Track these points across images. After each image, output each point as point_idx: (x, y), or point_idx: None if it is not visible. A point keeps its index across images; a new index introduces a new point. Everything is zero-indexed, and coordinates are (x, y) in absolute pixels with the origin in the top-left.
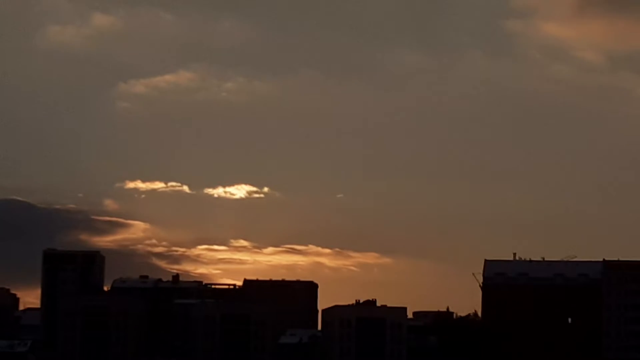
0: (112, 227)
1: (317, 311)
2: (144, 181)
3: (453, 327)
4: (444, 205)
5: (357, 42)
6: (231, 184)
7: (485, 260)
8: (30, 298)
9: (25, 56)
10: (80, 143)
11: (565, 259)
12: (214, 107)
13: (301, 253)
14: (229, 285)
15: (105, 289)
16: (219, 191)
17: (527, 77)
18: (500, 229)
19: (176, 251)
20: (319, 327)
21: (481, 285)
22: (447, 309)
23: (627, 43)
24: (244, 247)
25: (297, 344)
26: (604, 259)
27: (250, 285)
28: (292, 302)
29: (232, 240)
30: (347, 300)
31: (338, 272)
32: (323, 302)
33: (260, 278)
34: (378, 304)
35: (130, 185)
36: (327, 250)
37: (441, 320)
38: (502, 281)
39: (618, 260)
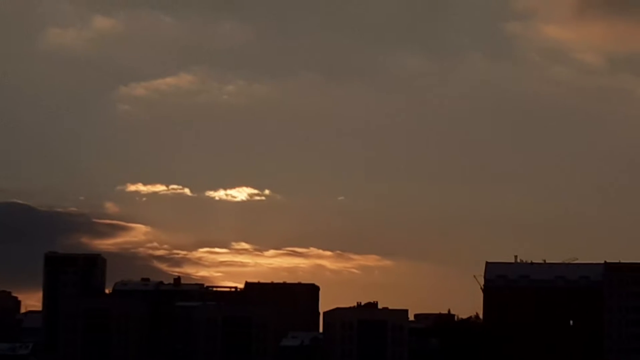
0: (114, 230)
1: (319, 314)
2: (145, 184)
3: (454, 329)
4: (445, 207)
5: (358, 45)
6: (232, 186)
7: (487, 263)
8: (31, 301)
9: (26, 59)
10: (81, 146)
11: (566, 262)
12: (214, 110)
13: (302, 255)
14: (230, 288)
15: (107, 291)
16: (220, 194)
17: (527, 79)
18: (501, 231)
19: (177, 254)
20: (321, 330)
21: (482, 287)
22: (449, 311)
23: (627, 45)
24: (246, 249)
25: (298, 347)
26: (605, 261)
27: (251, 287)
28: (294, 304)
29: (233, 243)
30: (349, 302)
31: (339, 275)
32: (324, 305)
33: (262, 281)
34: (379, 307)
35: (132, 188)
36: (328, 253)
37: (442, 323)
38: (504, 283)
39: (619, 263)
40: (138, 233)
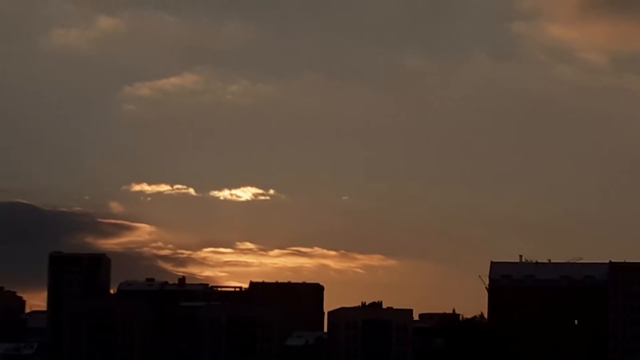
0: (118, 229)
1: (323, 313)
2: (149, 184)
3: (459, 329)
4: (449, 207)
5: (361, 45)
6: (237, 186)
7: (491, 262)
8: (36, 301)
9: (30, 59)
10: (85, 146)
11: (571, 261)
12: (219, 110)
13: (307, 255)
14: (235, 287)
15: (112, 291)
16: (224, 194)
17: (531, 79)
18: (506, 230)
19: (182, 254)
20: (325, 330)
21: (487, 287)
22: (453, 311)
23: (631, 44)
24: (250, 249)
25: (303, 346)
26: (610, 261)
27: (256, 287)
28: (298, 304)
29: (238, 243)
30: (353, 302)
31: (343, 274)
32: (329, 304)
33: (266, 280)
34: (384, 306)
35: (136, 188)
36: (333, 253)
37: (447, 323)
38: (508, 283)
39: (624, 262)
40: (143, 233)
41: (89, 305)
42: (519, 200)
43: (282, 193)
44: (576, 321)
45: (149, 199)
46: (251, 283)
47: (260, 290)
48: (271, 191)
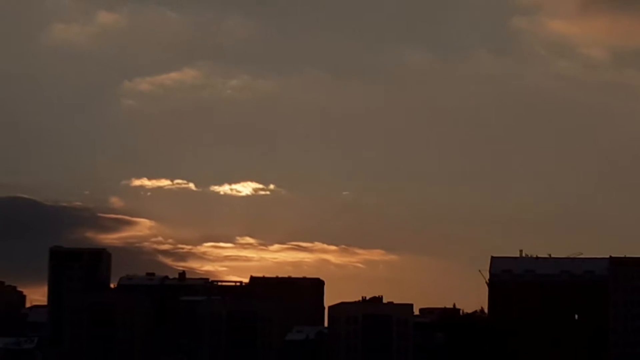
0: (118, 224)
1: (324, 308)
2: (149, 179)
3: (459, 323)
4: (450, 201)
5: (362, 41)
6: (237, 181)
7: (492, 257)
8: (36, 295)
9: (31, 54)
10: (85, 141)
11: (571, 256)
12: (219, 105)
13: (307, 250)
14: (235, 282)
15: (112, 286)
16: (224, 188)
17: (532, 74)
18: (506, 225)
19: (182, 248)
20: (326, 324)
21: (487, 282)
22: (454, 305)
23: (632, 40)
24: (250, 244)
25: (303, 341)
26: (610, 256)
27: (256, 282)
28: (299, 299)
29: (238, 238)
30: (353, 297)
31: (344, 269)
32: (329, 299)
33: (267, 275)
34: (384, 301)
35: (136, 182)
36: (333, 247)
37: (447, 317)
38: (509, 278)
39: (624, 257)
40: (143, 228)
41: (90, 300)
42: (520, 195)
43: (282, 188)
44: (576, 316)
45: (149, 193)
46: (251, 278)
47: (260, 285)
48: (271, 186)
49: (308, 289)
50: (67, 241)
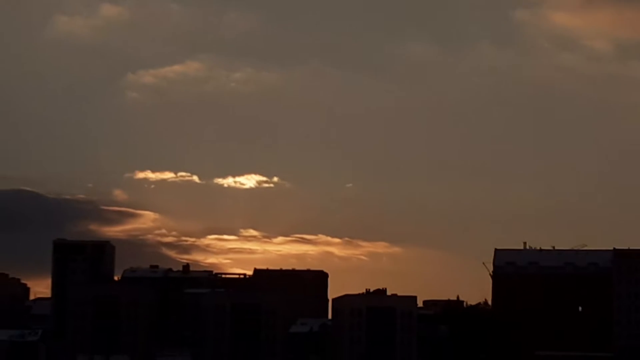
0: (122, 217)
1: (328, 300)
2: (153, 171)
3: (463, 316)
4: (453, 194)
5: (365, 33)
6: (241, 173)
7: (496, 249)
8: (40, 288)
9: (34, 47)
10: (89, 133)
11: (575, 248)
12: (222, 98)
13: (311, 242)
14: (239, 274)
15: (116, 278)
16: (228, 181)
17: (535, 67)
18: (510, 218)
19: (186, 241)
20: (330, 316)
21: (491, 274)
22: (457, 297)
23: (635, 32)
24: (254, 236)
25: (307, 333)
26: (614, 248)
27: (260, 274)
28: (303, 291)
29: (241, 230)
30: (357, 289)
31: (348, 262)
32: (333, 292)
33: (270, 267)
34: (388, 293)
35: (140, 175)
36: (337, 240)
37: (451, 309)
38: (513, 270)
39: (628, 249)
40: (146, 220)
41: (93, 293)
42: (523, 187)
43: (286, 181)
44: (580, 308)
45: (152, 186)
46: (255, 270)
47: (264, 277)
48: (275, 179)
49: (312, 281)
50: (71, 234)
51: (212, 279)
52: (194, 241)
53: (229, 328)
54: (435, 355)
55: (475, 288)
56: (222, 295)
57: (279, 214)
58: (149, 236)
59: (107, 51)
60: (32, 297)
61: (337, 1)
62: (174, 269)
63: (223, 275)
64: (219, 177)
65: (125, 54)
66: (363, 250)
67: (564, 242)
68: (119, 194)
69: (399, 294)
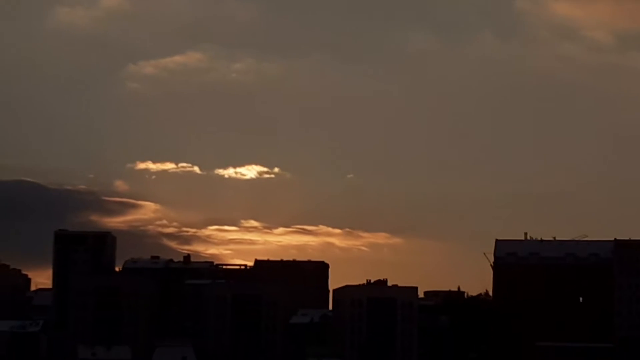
0: (123, 207)
1: (328, 291)
2: (154, 162)
3: (464, 306)
4: (454, 184)
5: (367, 23)
6: (242, 164)
7: (496, 240)
8: (41, 278)
9: (35, 37)
10: (90, 124)
11: (576, 239)
12: (223, 88)
13: (312, 233)
14: (240, 265)
15: (117, 269)
16: (229, 172)
17: (536, 57)
18: (511, 208)
19: (187, 232)
20: (330, 307)
21: (492, 264)
22: (458, 288)
23: (636, 22)
24: (255, 227)
25: (308, 324)
26: (615, 238)
27: (261, 265)
28: (303, 282)
29: (242, 221)
30: (358, 280)
31: (348, 252)
32: (334, 282)
33: (271, 258)
34: (389, 284)
35: (141, 166)
36: (338, 231)
37: (452, 300)
38: (513, 261)
39: (629, 240)
40: (147, 211)
41: (95, 283)
42: (524, 178)
43: (287, 171)
44: (581, 299)
45: (153, 177)
46: (256, 261)
47: (265, 268)
48: (276, 169)
49: (312, 272)
50: (72, 224)
51: (213, 270)
52: (194, 232)
53: (229, 319)
54: (436, 346)
55: (476, 279)
56: (223, 286)
57: (280, 204)
58: (150, 227)
59: (107, 42)
60: (33, 287)
61: None
62: (175, 260)
63: (224, 266)
64: (220, 167)
65: (126, 44)
66: (364, 241)
67: (565, 233)
68: (120, 184)
69: (399, 284)
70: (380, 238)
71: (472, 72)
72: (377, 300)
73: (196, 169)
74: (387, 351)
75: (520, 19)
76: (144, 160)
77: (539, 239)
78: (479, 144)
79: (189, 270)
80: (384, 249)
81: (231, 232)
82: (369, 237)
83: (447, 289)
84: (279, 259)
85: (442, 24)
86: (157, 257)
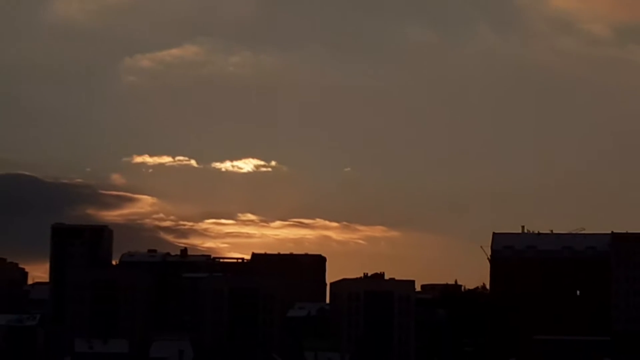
0: (120, 201)
1: (325, 284)
2: (151, 155)
3: (461, 300)
4: (451, 178)
5: (363, 17)
6: (238, 158)
7: (494, 233)
8: (38, 272)
9: (31, 31)
10: (87, 118)
11: (573, 232)
12: (220, 81)
13: (309, 227)
14: (237, 259)
15: (114, 263)
16: (226, 165)
17: (534, 50)
18: (508, 202)
19: (184, 225)
20: (327, 301)
21: (489, 258)
22: (455, 282)
23: (635, 15)
24: (252, 221)
25: (305, 317)
26: (612, 232)
27: (258, 259)
28: (300, 275)
29: (239, 214)
30: (355, 273)
31: (345, 246)
32: (331, 276)
33: (268, 252)
34: (386, 277)
35: (138, 159)
36: (335, 224)
37: (449, 294)
38: (510, 254)
39: (626, 233)
40: (144, 204)
41: (92, 277)
42: (521, 171)
43: (284, 164)
44: (578, 292)
45: (150, 170)
46: (253, 254)
47: (262, 262)
48: (273, 163)
49: (310, 265)
50: (69, 218)
51: (210, 264)
52: (191, 225)
53: (226, 312)
54: (433, 339)
55: (473, 272)
56: (220, 280)
57: (277, 198)
58: (147, 220)
59: (104, 35)
60: (30, 281)
61: None
62: (172, 254)
63: (221, 260)
64: (217, 161)
65: (123, 37)
66: (361, 234)
67: (562, 226)
68: (116, 178)
69: (396, 278)
70: (378, 231)
71: (471, 66)
72: (375, 293)
73: (193, 162)
74: (384, 344)
75: (519, 12)
76: (140, 154)
77: (536, 232)
78: (476, 138)
79: (186, 263)
80: (381, 243)
81: (228, 226)
82: (366, 231)
83: (444, 283)
84: (276, 252)
85: (441, 17)
86: (154, 251)
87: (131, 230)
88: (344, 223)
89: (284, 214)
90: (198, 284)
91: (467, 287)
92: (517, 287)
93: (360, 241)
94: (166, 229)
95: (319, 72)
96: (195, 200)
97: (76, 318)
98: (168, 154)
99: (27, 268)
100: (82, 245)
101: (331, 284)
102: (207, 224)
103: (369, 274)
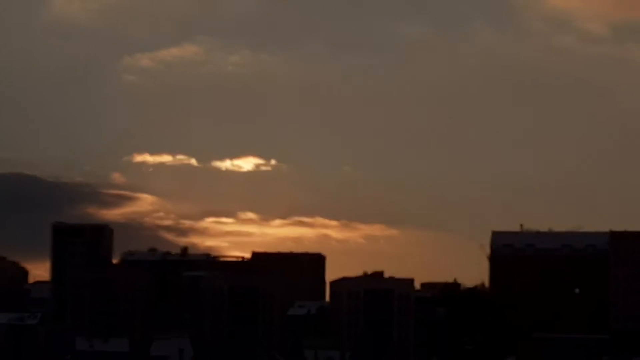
0: (120, 200)
1: (325, 283)
2: (151, 154)
3: (460, 298)
4: (450, 176)
5: (362, 15)
6: (238, 156)
7: (493, 232)
8: (39, 271)
9: (31, 29)
10: (87, 117)
11: (572, 230)
12: (220, 80)
13: (308, 225)
14: (237, 257)
15: (114, 261)
16: (226, 164)
17: (531, 48)
18: (507, 200)
19: (184, 224)
20: (327, 299)
21: (488, 256)
22: (455, 280)
23: (632, 14)
24: (252, 219)
25: (305, 316)
26: (611, 230)
27: (258, 257)
28: (300, 274)
29: (239, 213)
30: (355, 272)
31: (345, 244)
32: (330, 274)
33: (268, 250)
34: (385, 276)
35: (138, 158)
36: (334, 222)
37: (448, 292)
38: (509, 252)
39: (625, 231)
40: (144, 203)
41: (92, 276)
42: (520, 169)
43: (284, 163)
44: (577, 290)
45: (150, 169)
46: (253, 253)
47: (262, 260)
48: (272, 161)
49: (309, 264)
50: (69, 217)
51: (210, 262)
52: (191, 224)
53: (226, 311)
54: (433, 338)
55: (473, 270)
56: (220, 278)
57: (277, 196)
58: (147, 219)
59: (104, 34)
60: (31, 280)
61: None
62: (172, 252)
63: (221, 258)
64: (217, 160)
65: (122, 36)
66: (360, 232)
67: (561, 224)
68: (117, 177)
69: (396, 276)
70: (377, 230)
71: (468, 63)
72: (374, 292)
73: (193, 161)
74: (383, 343)
75: (517, 10)
76: (141, 153)
77: (535, 230)
78: (474, 136)
79: (186, 262)
80: (380, 241)
81: (228, 224)
82: (366, 229)
83: (443, 281)
84: (275, 250)
85: (438, 15)
86: (154, 250)
87: (131, 229)
88: (344, 221)
89: (283, 212)
90: (198, 283)
91: (466, 286)
92: (516, 286)
93: (360, 239)
94: (166, 228)
95: (317, 70)
96: (196, 199)
97: (77, 316)
98: (168, 153)
99: (28, 267)
100: (83, 244)
101: (331, 282)
102: (207, 222)
103: (369, 273)
